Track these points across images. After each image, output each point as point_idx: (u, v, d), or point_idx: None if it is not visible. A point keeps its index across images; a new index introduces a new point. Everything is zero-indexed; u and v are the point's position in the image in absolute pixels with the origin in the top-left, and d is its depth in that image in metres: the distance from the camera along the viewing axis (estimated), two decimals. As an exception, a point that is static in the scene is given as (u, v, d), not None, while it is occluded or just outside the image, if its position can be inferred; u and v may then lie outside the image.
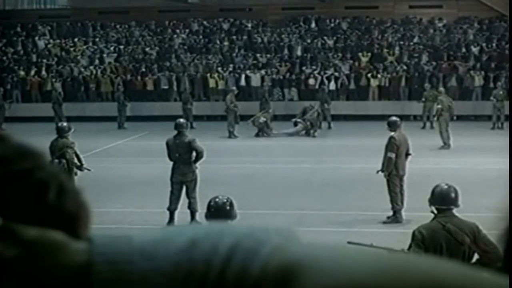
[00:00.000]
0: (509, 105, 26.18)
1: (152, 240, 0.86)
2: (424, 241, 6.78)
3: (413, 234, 6.89)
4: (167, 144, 13.37)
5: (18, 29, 39.19)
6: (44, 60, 36.35)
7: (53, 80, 34.36)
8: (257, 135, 26.24)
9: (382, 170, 13.34)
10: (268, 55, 35.66)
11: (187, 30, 38.49)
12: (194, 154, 13.15)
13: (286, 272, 0.78)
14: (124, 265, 0.83)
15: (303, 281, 0.78)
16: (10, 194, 0.85)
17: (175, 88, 33.64)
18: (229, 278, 0.84)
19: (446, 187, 7.43)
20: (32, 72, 35.22)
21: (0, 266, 0.80)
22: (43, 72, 35.19)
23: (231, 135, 26.02)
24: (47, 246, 0.83)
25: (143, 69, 34.98)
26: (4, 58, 36.82)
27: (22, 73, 35.13)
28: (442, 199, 7.23)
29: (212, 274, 0.84)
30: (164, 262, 0.84)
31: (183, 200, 13.10)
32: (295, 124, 26.72)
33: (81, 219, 0.90)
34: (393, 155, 13.15)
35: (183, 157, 13.12)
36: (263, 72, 34.03)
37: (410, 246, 6.86)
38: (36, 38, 38.36)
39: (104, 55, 36.84)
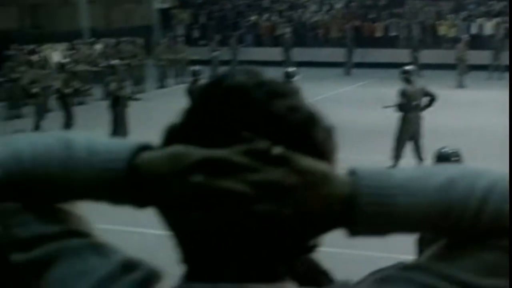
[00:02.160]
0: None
1: (412, 177, 0.90)
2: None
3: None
4: (404, 92, 12.57)
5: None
6: (275, 5, 37.26)
7: (284, 25, 35.10)
8: None
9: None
10: (503, 3, 33.83)
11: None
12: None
13: None
14: (386, 198, 0.88)
15: None
16: (285, 128, 0.94)
17: (404, 35, 33.08)
18: (484, 219, 0.87)
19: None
20: (264, 18, 36.24)
21: (281, 192, 0.88)
22: (274, 17, 36.07)
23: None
24: (319, 176, 0.90)
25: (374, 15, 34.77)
26: (239, 3, 38.15)
27: (254, 17, 36.27)
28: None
29: (467, 214, 0.87)
30: (424, 199, 0.88)
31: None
32: None
33: (329, 152, 0.97)
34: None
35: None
36: (499, 19, 32.40)
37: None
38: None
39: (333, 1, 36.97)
